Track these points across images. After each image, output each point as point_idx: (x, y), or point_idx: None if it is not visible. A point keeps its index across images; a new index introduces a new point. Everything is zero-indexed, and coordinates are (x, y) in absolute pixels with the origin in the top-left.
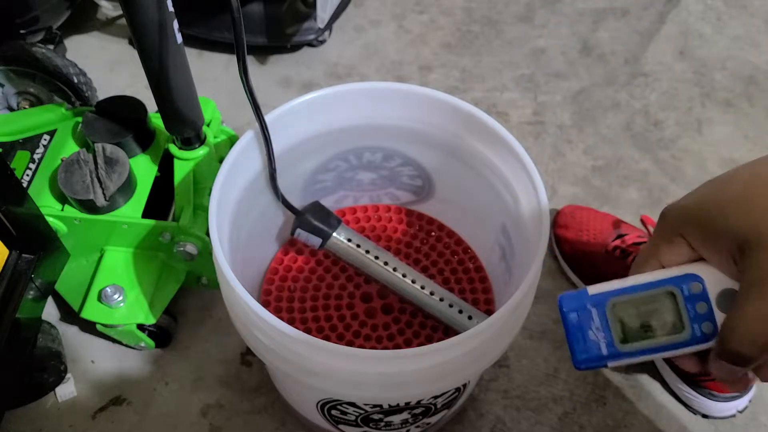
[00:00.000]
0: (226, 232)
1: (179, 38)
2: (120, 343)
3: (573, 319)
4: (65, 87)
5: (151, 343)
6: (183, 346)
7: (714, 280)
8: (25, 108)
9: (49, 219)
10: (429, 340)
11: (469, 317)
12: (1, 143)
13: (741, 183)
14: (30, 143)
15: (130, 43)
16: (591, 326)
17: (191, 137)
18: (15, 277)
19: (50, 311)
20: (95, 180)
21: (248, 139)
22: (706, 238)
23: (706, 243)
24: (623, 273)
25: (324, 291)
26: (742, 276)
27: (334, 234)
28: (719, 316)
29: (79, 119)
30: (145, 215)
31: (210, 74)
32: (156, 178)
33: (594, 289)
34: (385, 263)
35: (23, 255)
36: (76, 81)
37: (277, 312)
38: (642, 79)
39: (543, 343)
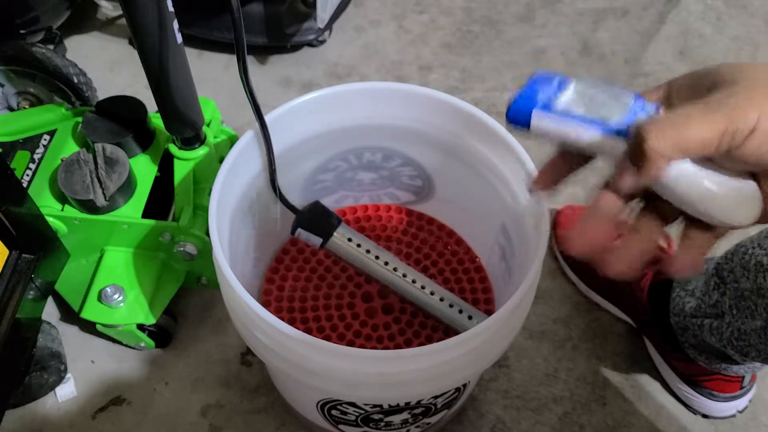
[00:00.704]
0: (226, 232)
1: (179, 38)
2: (120, 343)
3: (537, 79)
4: (65, 87)
5: (151, 343)
6: (183, 346)
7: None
8: (25, 108)
9: (49, 219)
10: (429, 340)
11: (469, 317)
12: (1, 143)
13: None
14: (30, 143)
15: (130, 43)
16: (547, 83)
17: (191, 137)
18: (15, 277)
19: (50, 311)
20: (95, 180)
21: (248, 139)
22: (688, 83)
23: (685, 87)
24: None
25: (324, 291)
26: None
27: (335, 234)
28: None
29: (79, 119)
30: (145, 215)
31: (210, 74)
32: (156, 178)
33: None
34: (386, 263)
35: (23, 255)
36: (76, 81)
37: (277, 312)
38: (642, 79)
39: (543, 343)
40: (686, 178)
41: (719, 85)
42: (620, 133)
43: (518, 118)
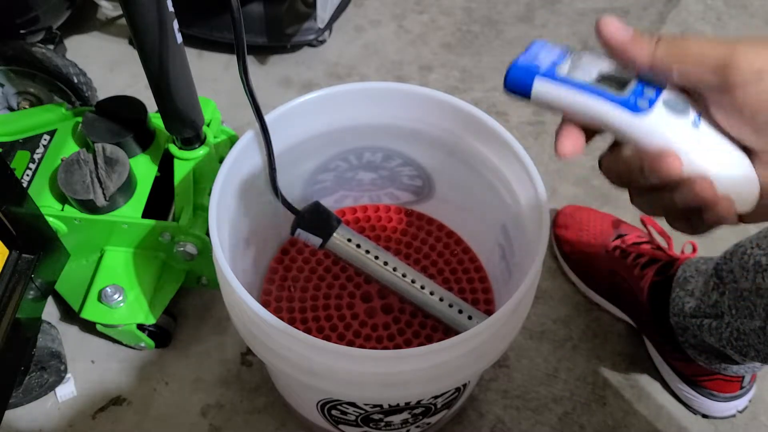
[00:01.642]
0: (226, 232)
1: (179, 38)
2: (120, 343)
3: (537, 43)
4: (65, 87)
5: (151, 343)
6: (183, 346)
7: (676, 91)
8: (25, 108)
9: (49, 219)
10: (429, 340)
11: (469, 317)
12: (1, 143)
13: None
14: (30, 143)
15: (130, 43)
16: (548, 52)
17: (191, 137)
18: (15, 277)
19: (50, 311)
20: (95, 180)
21: (248, 139)
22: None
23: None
24: (623, 273)
25: (324, 291)
26: None
27: (335, 234)
28: (657, 107)
29: (79, 119)
30: (145, 215)
31: (210, 74)
32: (156, 178)
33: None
34: (385, 263)
35: (23, 255)
36: (76, 81)
37: (277, 312)
38: None
39: (543, 343)
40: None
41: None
42: (628, 105)
43: (518, 85)
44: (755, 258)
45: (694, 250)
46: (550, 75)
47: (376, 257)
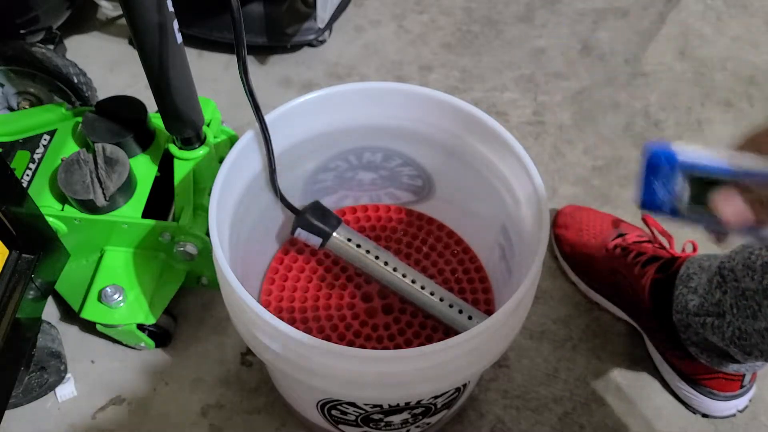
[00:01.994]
0: (226, 232)
1: (179, 38)
2: (120, 343)
3: (651, 168)
4: (65, 87)
5: (151, 343)
6: (183, 346)
7: None
8: (25, 108)
9: (49, 219)
10: (429, 340)
11: (469, 317)
12: (1, 143)
13: None
14: (30, 143)
15: (130, 43)
16: (663, 180)
17: (191, 137)
18: (15, 277)
19: (50, 311)
20: (95, 180)
21: (248, 139)
22: None
23: None
24: (624, 272)
25: (325, 291)
26: None
27: (335, 234)
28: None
29: (79, 119)
30: (145, 215)
31: (210, 74)
32: (156, 178)
33: (684, 156)
34: (386, 263)
35: (23, 255)
36: (76, 81)
37: (277, 312)
38: (642, 79)
39: (543, 343)
40: None
41: None
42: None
43: (655, 214)
44: (763, 259)
45: (695, 249)
46: (674, 212)
47: (377, 257)
